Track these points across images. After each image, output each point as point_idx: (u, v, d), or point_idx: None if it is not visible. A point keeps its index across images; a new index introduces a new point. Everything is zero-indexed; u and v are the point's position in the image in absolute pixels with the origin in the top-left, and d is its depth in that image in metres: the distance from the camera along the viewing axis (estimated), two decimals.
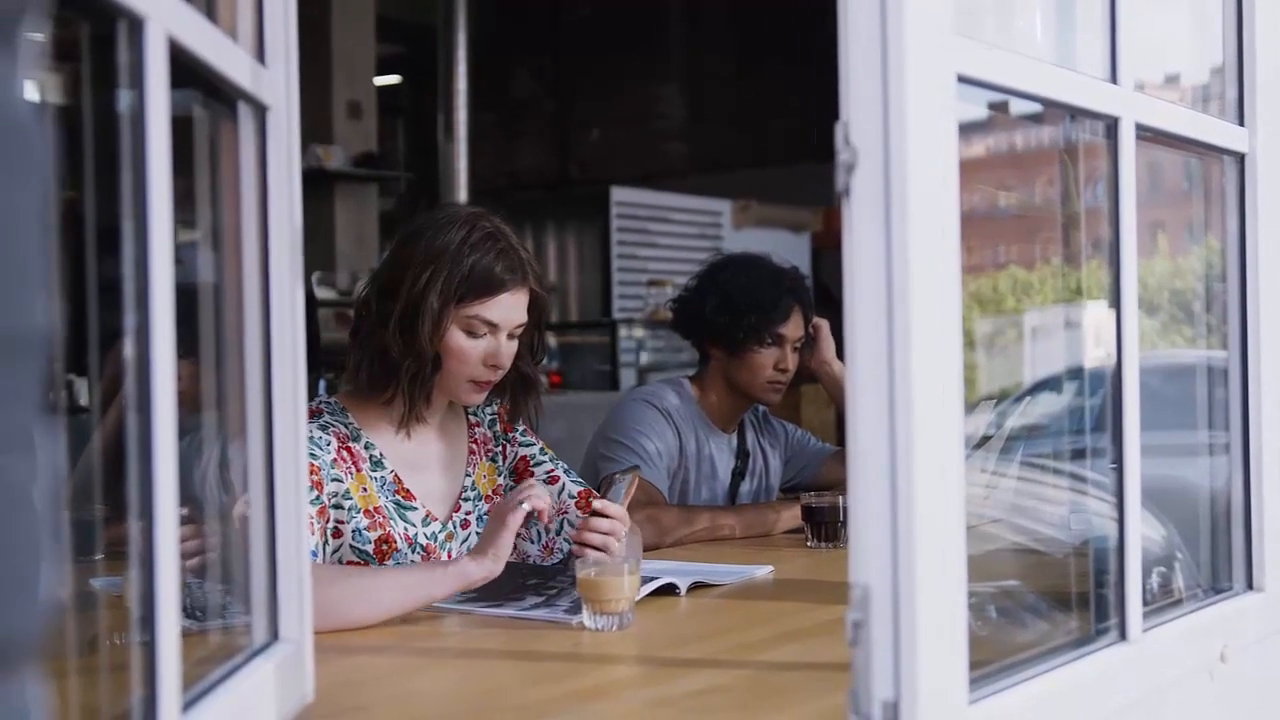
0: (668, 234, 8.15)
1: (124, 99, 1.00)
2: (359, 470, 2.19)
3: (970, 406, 1.27)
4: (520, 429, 2.42)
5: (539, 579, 2.17)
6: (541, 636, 1.86)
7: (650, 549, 2.66)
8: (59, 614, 0.61)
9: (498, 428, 2.41)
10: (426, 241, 2.17)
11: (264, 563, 1.37)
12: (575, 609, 1.93)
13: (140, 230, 0.99)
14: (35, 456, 0.58)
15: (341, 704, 1.51)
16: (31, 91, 0.63)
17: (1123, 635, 1.52)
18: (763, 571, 2.36)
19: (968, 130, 1.26)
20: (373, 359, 2.20)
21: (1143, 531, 1.57)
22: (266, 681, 1.29)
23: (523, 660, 1.75)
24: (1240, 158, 1.81)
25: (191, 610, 1.32)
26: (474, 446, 2.37)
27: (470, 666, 1.75)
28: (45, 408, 0.60)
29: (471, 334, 2.18)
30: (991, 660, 1.35)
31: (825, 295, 6.34)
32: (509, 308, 2.20)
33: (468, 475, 2.35)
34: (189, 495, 1.12)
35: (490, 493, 2.36)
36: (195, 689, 1.14)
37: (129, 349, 0.98)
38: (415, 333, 2.15)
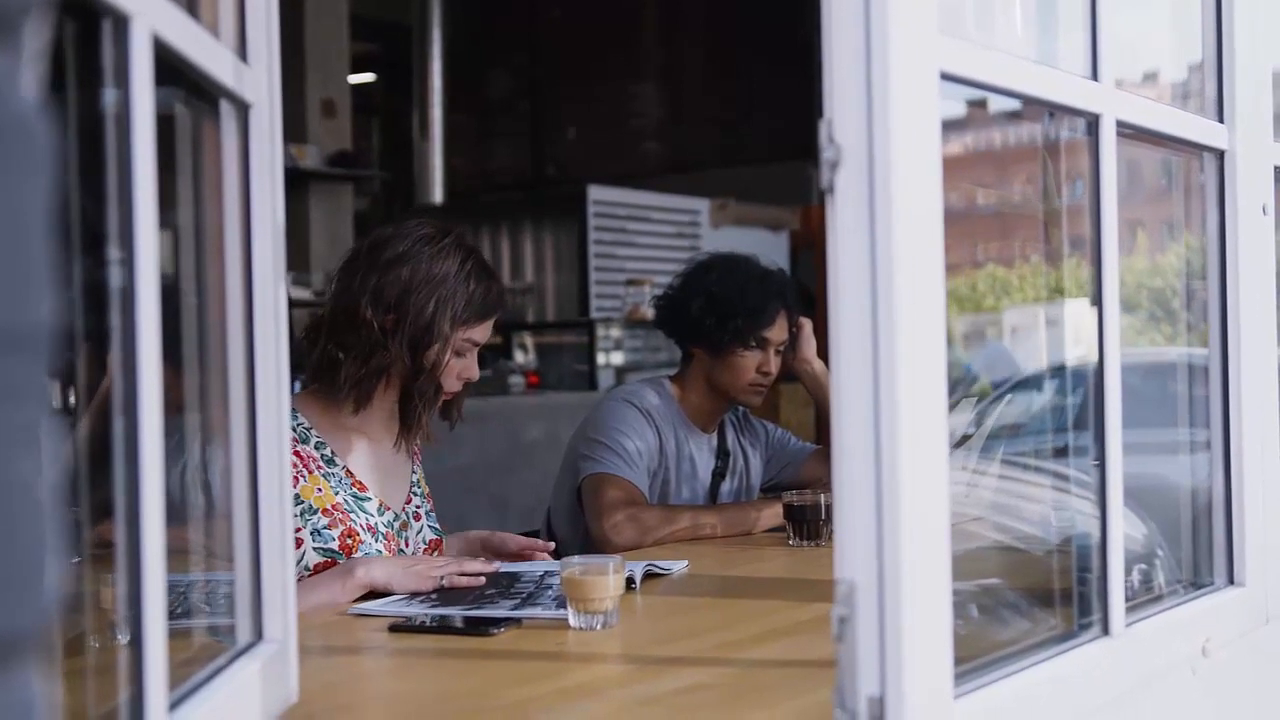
0: (645, 233, 8.13)
1: (107, 97, 1.00)
2: (311, 471, 2.21)
3: (950, 405, 1.27)
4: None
5: (508, 581, 2.17)
6: (525, 636, 1.85)
7: (632, 548, 2.67)
8: (61, 611, 0.61)
9: (418, 444, 2.51)
10: (425, 267, 2.25)
11: (248, 563, 1.36)
12: (564, 603, 1.92)
13: (126, 230, 0.98)
14: (41, 453, 0.59)
15: (325, 704, 1.51)
16: (35, 89, 0.63)
17: (1105, 630, 1.53)
18: (678, 567, 2.36)
19: (945, 128, 1.26)
20: (376, 375, 2.26)
21: (1123, 529, 1.57)
22: (252, 681, 1.28)
23: (507, 659, 1.75)
24: (1220, 154, 1.82)
25: (172, 610, 1.31)
26: (415, 448, 2.46)
27: (454, 666, 1.75)
28: (49, 404, 0.60)
29: (459, 354, 2.29)
30: (976, 656, 1.35)
31: (803, 294, 6.33)
32: (490, 329, 2.35)
33: (414, 472, 2.45)
34: (169, 497, 1.12)
35: (426, 493, 2.47)
36: (180, 689, 1.14)
37: (115, 351, 0.98)
38: (423, 355, 2.25)
